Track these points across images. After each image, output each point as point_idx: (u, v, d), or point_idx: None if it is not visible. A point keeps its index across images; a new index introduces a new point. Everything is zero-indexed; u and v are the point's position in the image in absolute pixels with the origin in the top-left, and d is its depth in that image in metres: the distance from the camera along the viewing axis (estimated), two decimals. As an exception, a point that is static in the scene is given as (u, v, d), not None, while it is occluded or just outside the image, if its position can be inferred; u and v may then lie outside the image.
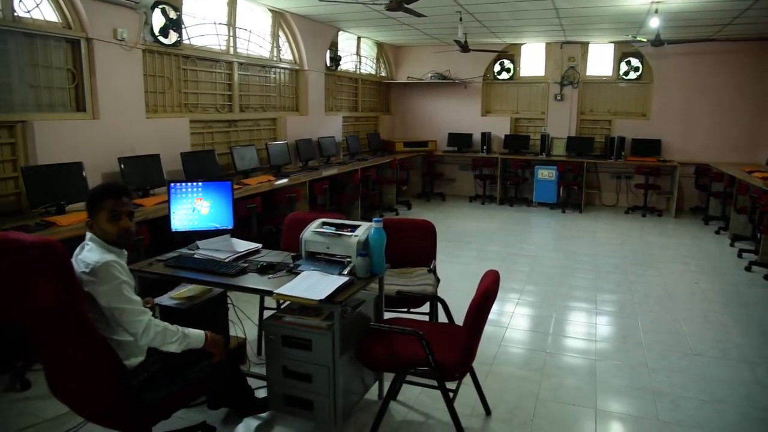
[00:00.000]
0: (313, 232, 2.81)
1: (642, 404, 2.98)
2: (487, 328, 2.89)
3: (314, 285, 2.44)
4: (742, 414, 2.91)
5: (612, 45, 9.00)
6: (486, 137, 9.45)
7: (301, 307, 2.53)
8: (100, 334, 1.99)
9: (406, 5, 4.99)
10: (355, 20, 7.34)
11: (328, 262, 2.74)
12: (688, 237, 7.09)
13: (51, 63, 4.06)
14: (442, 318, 3.27)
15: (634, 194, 9.04)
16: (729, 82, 8.40)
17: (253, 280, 2.62)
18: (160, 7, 4.75)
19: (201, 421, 2.63)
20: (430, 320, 3.28)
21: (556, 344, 3.76)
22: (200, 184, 3.17)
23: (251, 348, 3.48)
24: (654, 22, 6.27)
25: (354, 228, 2.77)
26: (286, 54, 7.08)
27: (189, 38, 5.33)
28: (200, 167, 5.04)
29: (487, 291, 2.36)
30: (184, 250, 3.03)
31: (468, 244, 6.54)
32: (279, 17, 6.77)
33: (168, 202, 3.13)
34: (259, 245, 3.15)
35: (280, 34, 6.90)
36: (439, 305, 3.21)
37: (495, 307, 3.02)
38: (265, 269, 2.72)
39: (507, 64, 9.66)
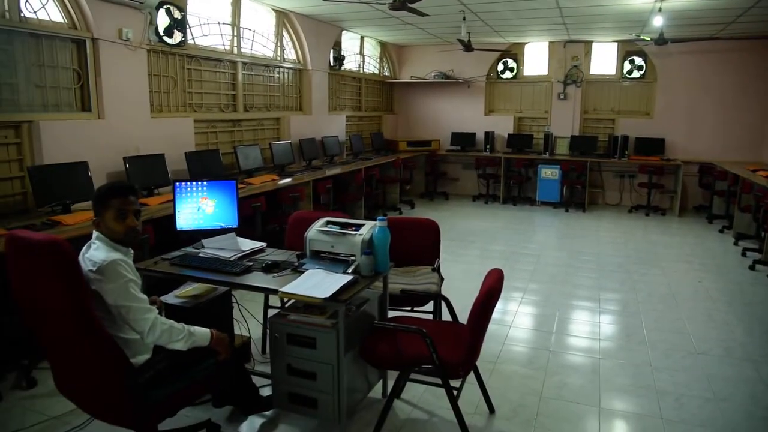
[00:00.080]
0: (317, 230, 2.82)
1: (645, 402, 2.98)
2: (491, 327, 2.90)
3: (319, 283, 2.45)
4: (746, 412, 2.91)
5: (615, 44, 8.99)
6: (489, 136, 9.45)
7: (306, 305, 2.54)
8: (107, 332, 2.01)
9: (409, 5, 4.99)
10: (358, 20, 7.35)
11: (332, 260, 2.75)
12: (691, 236, 7.08)
13: (57, 63, 4.09)
14: (445, 316, 3.28)
15: (638, 193, 9.02)
16: (733, 80, 8.39)
17: (258, 279, 2.63)
18: (164, 7, 4.77)
19: (206, 419, 2.64)
20: (433, 319, 3.29)
21: (560, 343, 3.77)
22: (205, 183, 3.19)
23: (255, 346, 3.50)
24: (657, 21, 6.26)
25: (358, 227, 2.78)
26: (290, 54, 7.10)
27: (193, 38, 5.35)
28: (204, 167, 5.06)
29: (491, 289, 2.37)
30: (189, 249, 3.05)
31: (471, 243, 6.55)
32: (283, 17, 6.79)
33: (173, 201, 3.15)
34: (264, 244, 3.16)
35: (284, 33, 6.92)
36: (443, 304, 3.22)
37: (498, 306, 3.03)
38: (270, 268, 2.73)
39: (510, 63, 9.66)
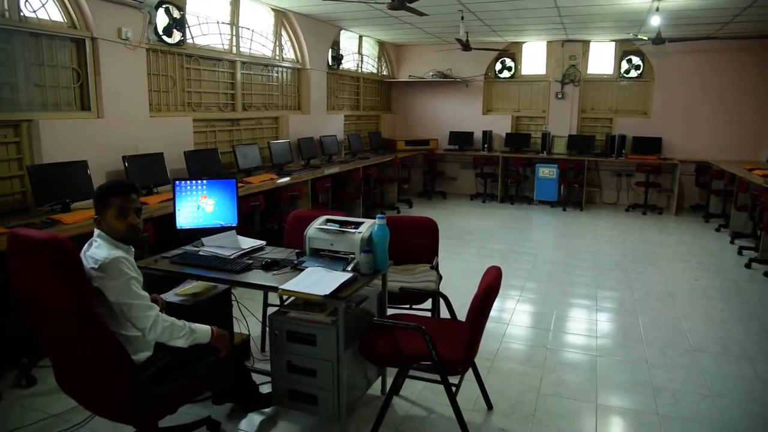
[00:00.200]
0: (317, 228, 2.84)
1: (642, 399, 3.01)
2: (489, 325, 2.92)
3: (319, 281, 2.47)
4: (743, 409, 2.93)
5: (613, 43, 9.01)
6: (487, 135, 9.48)
7: (306, 302, 2.56)
8: (109, 329, 2.02)
9: (408, 4, 5.01)
10: (357, 19, 7.36)
11: (332, 258, 2.77)
12: (688, 234, 7.11)
13: (56, 62, 4.10)
14: (444, 314, 3.30)
15: (635, 192, 9.06)
16: (730, 80, 8.42)
17: (258, 277, 2.65)
18: (164, 6, 4.78)
19: (206, 416, 2.66)
20: (432, 316, 3.31)
21: (557, 340, 3.79)
22: (205, 181, 3.21)
23: (255, 344, 3.51)
24: (655, 20, 6.29)
25: (358, 225, 2.79)
26: (289, 53, 7.11)
27: (192, 37, 5.36)
28: (203, 166, 5.08)
29: (489, 287, 2.39)
30: (189, 248, 3.06)
31: (469, 242, 6.57)
32: (281, 16, 6.80)
33: (173, 199, 3.16)
34: (263, 242, 3.17)
35: (283, 33, 6.93)
36: (442, 301, 3.24)
37: (496, 304, 3.05)
38: (270, 266, 2.75)
39: (508, 62, 9.68)
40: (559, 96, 9.30)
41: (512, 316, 4.20)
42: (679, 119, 8.75)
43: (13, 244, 2.02)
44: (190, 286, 2.94)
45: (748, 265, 5.58)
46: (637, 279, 5.18)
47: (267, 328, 3.08)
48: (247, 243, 3.11)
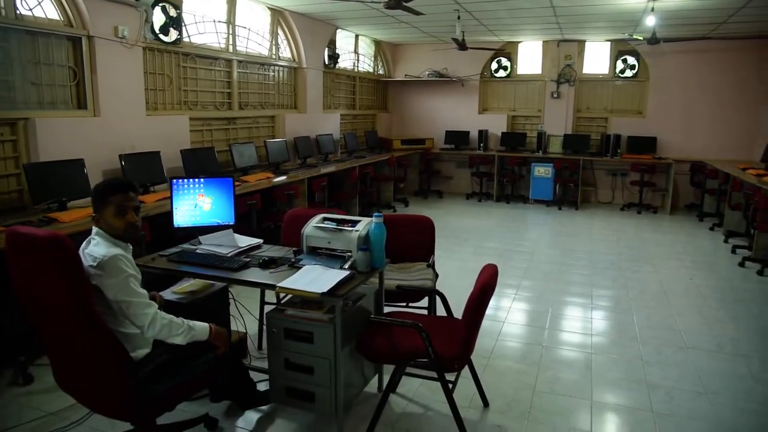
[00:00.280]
0: (314, 227, 2.85)
1: (637, 396, 3.03)
2: (485, 323, 2.94)
3: (316, 279, 2.48)
4: (737, 407, 2.96)
5: (608, 43, 9.05)
6: (483, 135, 9.50)
7: (303, 300, 2.57)
8: (108, 327, 2.03)
9: (404, 3, 5.02)
10: (353, 18, 7.37)
11: (329, 256, 2.78)
12: (683, 233, 7.15)
13: (53, 60, 4.09)
14: (440, 312, 3.31)
15: (630, 191, 9.11)
16: (724, 80, 8.46)
17: (255, 275, 2.66)
18: (160, 5, 4.78)
19: (204, 413, 2.66)
20: (429, 314, 3.32)
21: (553, 338, 3.82)
22: (202, 180, 3.21)
23: (252, 342, 3.52)
24: (650, 20, 6.33)
25: (354, 223, 2.81)
26: (285, 52, 7.11)
27: (189, 36, 5.36)
28: (200, 164, 5.08)
29: (486, 285, 2.41)
30: (186, 246, 3.07)
31: (465, 241, 6.59)
32: (278, 15, 6.80)
33: (170, 198, 3.17)
34: (261, 240, 3.18)
35: (279, 32, 6.93)
36: (438, 299, 3.25)
37: (492, 302, 3.07)
38: (267, 264, 2.76)
39: (504, 62, 9.71)
40: (555, 95, 9.33)
41: (508, 314, 4.22)
42: (674, 119, 8.80)
43: (12, 241, 2.02)
44: (188, 284, 2.95)
45: (741, 264, 5.63)
46: (632, 278, 5.21)
47: (264, 326, 3.08)
48: (245, 241, 3.12)
